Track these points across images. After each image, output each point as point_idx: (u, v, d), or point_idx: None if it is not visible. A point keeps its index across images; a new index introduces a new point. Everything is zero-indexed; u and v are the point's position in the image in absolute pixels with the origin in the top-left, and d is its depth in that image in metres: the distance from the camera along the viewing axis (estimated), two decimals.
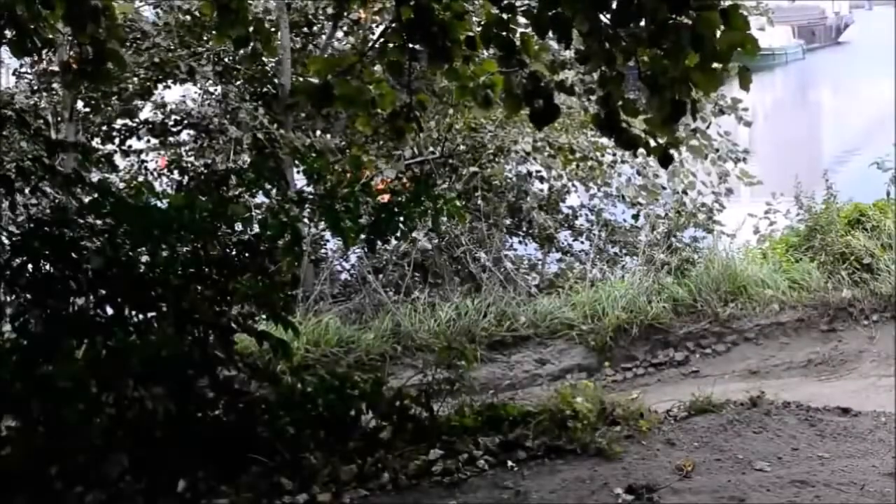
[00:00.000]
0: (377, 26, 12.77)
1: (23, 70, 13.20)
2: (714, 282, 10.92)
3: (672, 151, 5.45)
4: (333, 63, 5.91)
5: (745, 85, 5.07)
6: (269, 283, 6.22)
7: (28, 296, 5.64)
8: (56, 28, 6.47)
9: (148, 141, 13.52)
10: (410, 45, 5.69)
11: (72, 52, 6.45)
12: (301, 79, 12.21)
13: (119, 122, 13.28)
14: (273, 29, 11.95)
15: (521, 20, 5.64)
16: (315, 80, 5.87)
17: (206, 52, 12.62)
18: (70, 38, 6.50)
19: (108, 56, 6.03)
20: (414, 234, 10.61)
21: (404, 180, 12.06)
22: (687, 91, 4.96)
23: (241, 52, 8.99)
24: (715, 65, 4.82)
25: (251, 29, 6.45)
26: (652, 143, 5.37)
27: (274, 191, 6.64)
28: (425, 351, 9.84)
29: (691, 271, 11.21)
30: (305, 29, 13.19)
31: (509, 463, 5.89)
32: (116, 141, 13.37)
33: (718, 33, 4.75)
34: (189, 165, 13.04)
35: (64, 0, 5.85)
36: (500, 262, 11.84)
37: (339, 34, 13.31)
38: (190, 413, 5.75)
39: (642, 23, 4.89)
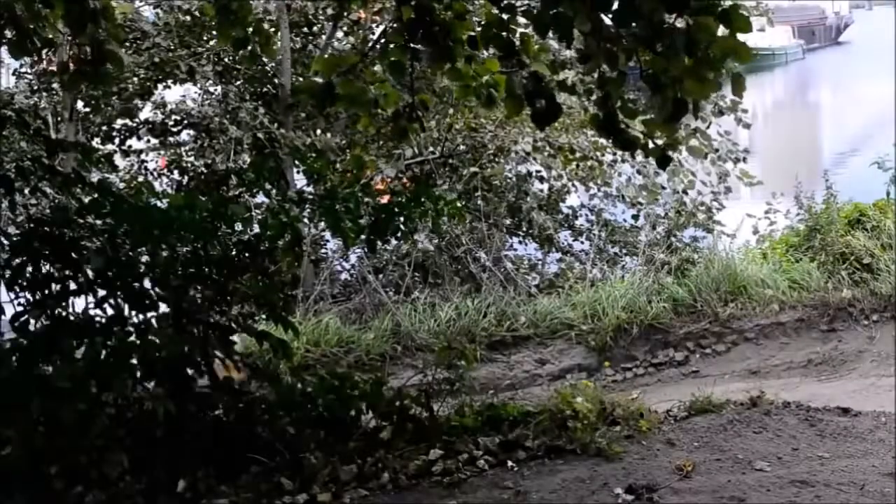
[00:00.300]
0: (377, 26, 12.78)
1: (23, 70, 13.22)
2: (714, 282, 10.92)
3: (670, 152, 5.44)
4: (336, 63, 5.90)
5: (738, 91, 5.08)
6: (269, 283, 6.23)
7: (28, 296, 5.64)
8: (56, 28, 6.46)
9: (148, 141, 13.53)
10: (412, 45, 5.68)
11: (71, 53, 6.44)
12: (301, 79, 12.22)
13: (119, 122, 13.30)
14: (273, 29, 11.96)
15: (521, 20, 5.63)
16: (317, 80, 5.85)
17: (206, 52, 12.64)
18: (70, 38, 6.48)
19: (108, 56, 6.02)
20: (414, 235, 10.60)
21: (404, 180, 12.07)
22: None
23: (241, 52, 8.98)
24: (709, 73, 4.79)
25: (250, 30, 6.44)
26: (650, 144, 5.36)
27: (274, 191, 6.62)
28: (425, 351, 9.84)
29: (691, 271, 11.21)
30: (305, 29, 13.20)
31: (509, 463, 5.87)
32: (116, 141, 13.40)
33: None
34: (189, 165, 13.05)
35: (64, 0, 5.85)
36: (500, 262, 11.85)
37: (339, 34, 13.31)
38: (190, 413, 5.75)
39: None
